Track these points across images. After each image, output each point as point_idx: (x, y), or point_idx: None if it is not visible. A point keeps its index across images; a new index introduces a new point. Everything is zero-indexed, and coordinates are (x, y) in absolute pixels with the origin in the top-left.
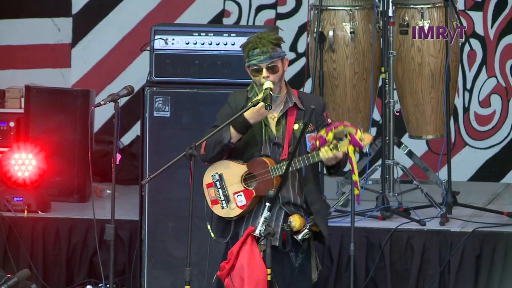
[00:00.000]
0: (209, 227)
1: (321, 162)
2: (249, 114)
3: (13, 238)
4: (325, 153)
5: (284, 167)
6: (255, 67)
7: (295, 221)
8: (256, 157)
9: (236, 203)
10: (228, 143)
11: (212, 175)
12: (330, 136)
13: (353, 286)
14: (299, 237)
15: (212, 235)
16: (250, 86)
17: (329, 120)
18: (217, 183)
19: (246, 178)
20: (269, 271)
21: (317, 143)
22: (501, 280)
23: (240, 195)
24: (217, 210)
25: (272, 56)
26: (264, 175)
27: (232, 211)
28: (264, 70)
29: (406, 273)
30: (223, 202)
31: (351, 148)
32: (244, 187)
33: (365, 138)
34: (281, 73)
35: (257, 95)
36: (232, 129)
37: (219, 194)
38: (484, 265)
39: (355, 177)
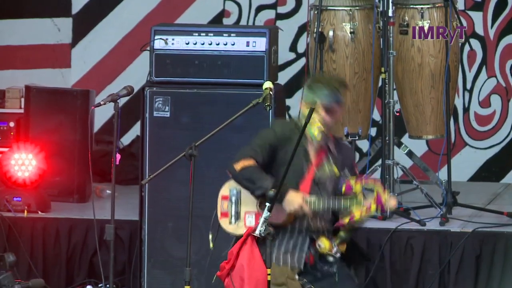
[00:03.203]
0: (210, 237)
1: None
2: (290, 199)
3: (13, 238)
4: (361, 212)
5: (313, 205)
6: (318, 104)
7: (324, 243)
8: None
9: (245, 222)
10: (258, 194)
11: (230, 189)
12: (358, 188)
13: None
14: (331, 258)
15: (211, 245)
16: (307, 117)
17: (356, 170)
18: (233, 198)
19: (262, 203)
20: (269, 271)
21: (343, 188)
22: (501, 280)
23: (251, 216)
24: (224, 223)
25: (339, 100)
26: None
27: (238, 228)
28: (326, 109)
29: (406, 273)
30: (233, 217)
31: (373, 207)
32: (258, 210)
33: (391, 202)
34: (337, 119)
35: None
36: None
37: (231, 209)
38: (484, 265)
39: (357, 216)
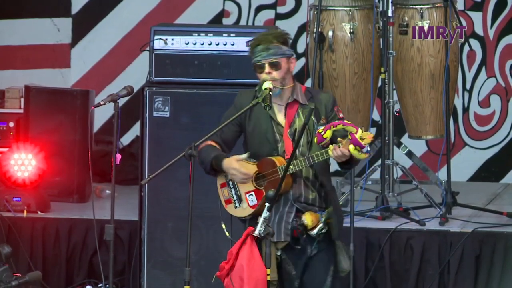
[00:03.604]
0: (223, 226)
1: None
2: (227, 165)
3: (13, 238)
4: (334, 151)
5: (293, 166)
6: (258, 63)
7: (307, 218)
8: (266, 157)
9: (248, 203)
10: (208, 172)
11: (225, 175)
12: (328, 134)
13: (353, 286)
14: (314, 232)
15: (227, 234)
16: (259, 86)
17: (341, 115)
18: (230, 182)
19: (257, 178)
20: (268, 271)
21: (315, 139)
22: (501, 280)
23: (252, 194)
24: (231, 209)
25: (275, 53)
26: (273, 174)
27: (244, 210)
28: (267, 66)
29: (406, 273)
30: (236, 201)
31: (352, 148)
32: (255, 186)
33: (366, 137)
34: (285, 71)
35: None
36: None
37: (232, 194)
38: (484, 265)
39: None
